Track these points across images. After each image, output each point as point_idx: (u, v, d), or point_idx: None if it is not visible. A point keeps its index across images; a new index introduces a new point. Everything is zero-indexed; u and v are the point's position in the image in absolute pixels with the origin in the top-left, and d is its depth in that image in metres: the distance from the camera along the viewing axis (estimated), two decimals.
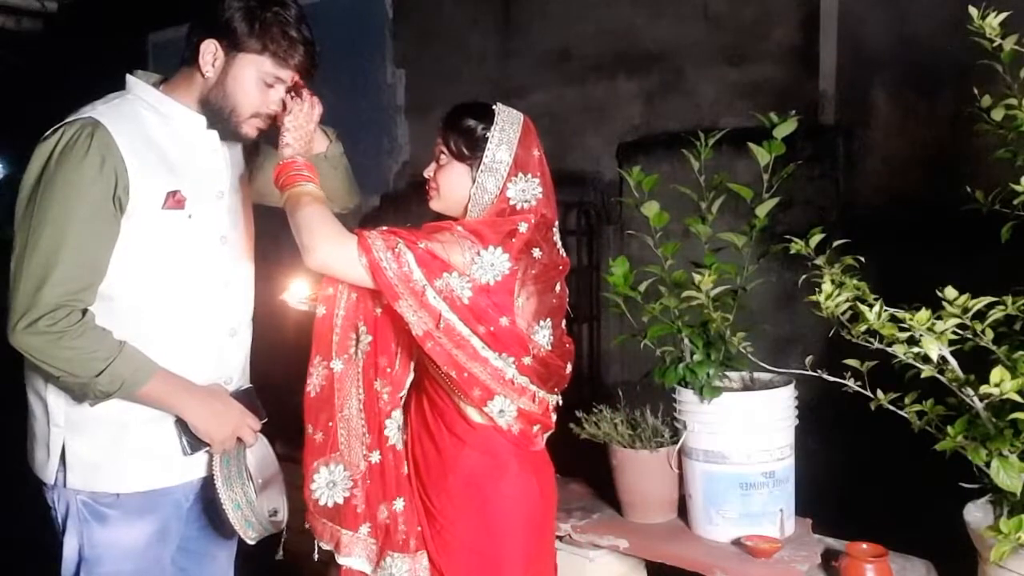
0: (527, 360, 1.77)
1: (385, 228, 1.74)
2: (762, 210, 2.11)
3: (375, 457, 1.80)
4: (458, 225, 1.75)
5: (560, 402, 1.88)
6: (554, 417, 1.88)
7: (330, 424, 1.79)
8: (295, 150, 1.84)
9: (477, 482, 1.81)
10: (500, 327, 1.72)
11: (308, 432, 1.79)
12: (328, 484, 1.78)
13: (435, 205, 1.89)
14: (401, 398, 1.86)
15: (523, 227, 1.75)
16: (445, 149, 1.85)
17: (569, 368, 1.88)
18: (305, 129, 1.86)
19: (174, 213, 1.75)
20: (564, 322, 1.90)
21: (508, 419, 1.78)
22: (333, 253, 1.71)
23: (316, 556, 1.81)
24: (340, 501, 1.78)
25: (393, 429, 1.83)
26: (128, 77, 1.82)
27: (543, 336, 1.80)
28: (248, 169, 2.02)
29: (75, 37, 5.86)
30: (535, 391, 1.79)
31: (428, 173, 1.89)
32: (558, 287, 1.86)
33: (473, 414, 1.80)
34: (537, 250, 1.77)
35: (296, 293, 1.93)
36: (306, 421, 1.80)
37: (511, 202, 1.79)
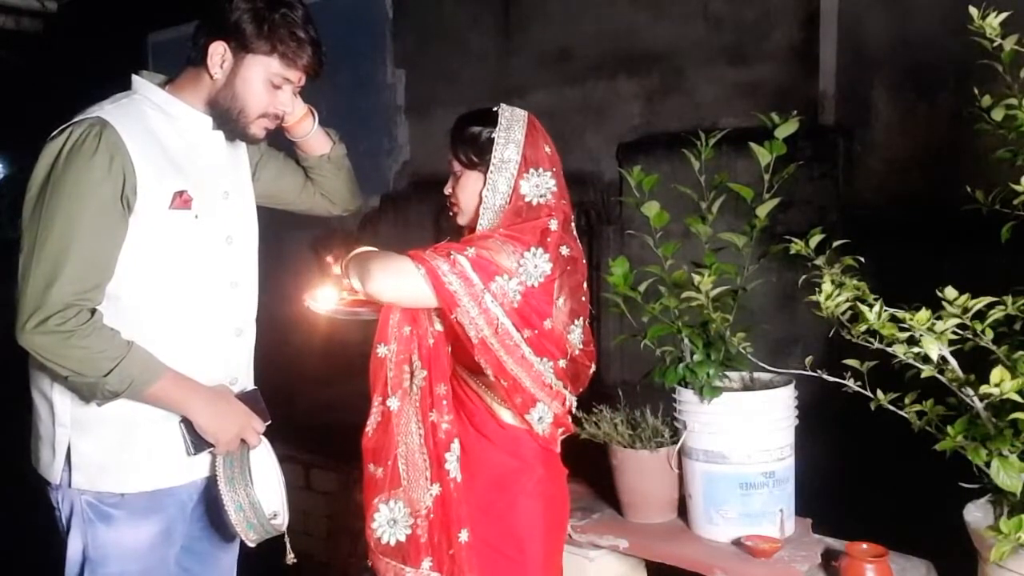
0: (562, 363, 1.79)
1: (431, 246, 1.76)
2: (762, 210, 2.11)
3: (436, 490, 1.79)
4: (496, 233, 1.76)
5: (575, 403, 1.90)
6: (571, 418, 1.90)
7: (389, 462, 1.79)
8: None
9: (504, 484, 1.82)
10: (544, 330, 1.74)
11: (368, 470, 1.80)
12: (389, 522, 1.78)
13: (461, 220, 1.89)
14: (456, 432, 1.84)
15: (554, 224, 1.76)
16: (457, 161, 1.85)
17: (592, 368, 1.90)
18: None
19: (181, 213, 1.75)
20: (588, 321, 1.91)
21: (545, 426, 1.81)
22: (391, 272, 1.73)
23: None
24: (403, 539, 1.78)
25: (452, 461, 1.81)
26: (134, 77, 1.82)
27: (576, 335, 1.83)
28: (253, 170, 2.02)
29: (75, 37, 5.87)
30: (566, 394, 1.81)
31: (447, 190, 1.89)
32: (584, 284, 1.88)
33: (504, 414, 1.81)
34: (565, 248, 1.79)
35: (323, 300, 1.94)
36: (365, 460, 1.81)
37: (526, 199, 1.79)
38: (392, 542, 1.78)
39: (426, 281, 1.69)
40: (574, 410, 1.90)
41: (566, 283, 1.79)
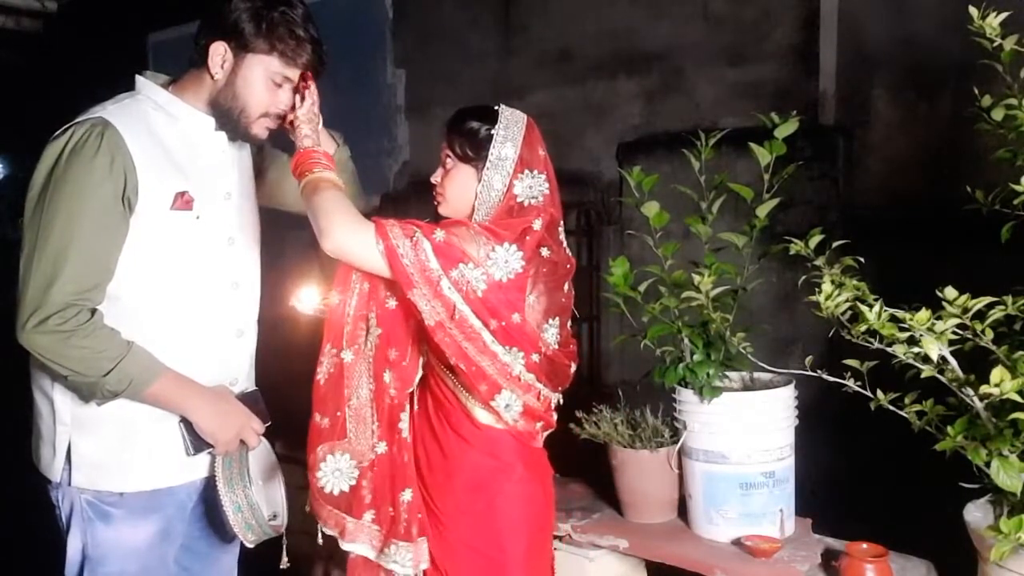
0: (535, 357, 1.78)
1: (402, 220, 1.75)
2: (762, 210, 2.10)
3: (382, 447, 1.80)
4: (474, 223, 1.77)
5: (561, 401, 1.89)
6: (555, 416, 1.89)
7: (338, 413, 1.79)
8: (314, 141, 1.85)
9: (482, 484, 1.81)
10: (511, 323, 1.73)
11: (315, 419, 1.79)
12: (333, 472, 1.78)
13: (443, 210, 1.89)
14: (409, 393, 1.86)
15: (537, 224, 1.76)
16: (451, 153, 1.85)
17: (574, 367, 1.89)
18: (317, 120, 1.88)
19: (182, 214, 1.75)
20: (570, 322, 1.90)
21: (514, 414, 1.79)
22: (350, 237, 1.71)
23: (320, 540, 1.81)
24: (346, 489, 1.78)
25: (406, 422, 1.83)
26: (137, 78, 1.83)
27: (551, 334, 1.82)
28: (255, 171, 2.02)
29: (75, 37, 5.87)
30: (540, 388, 1.80)
31: (435, 179, 1.89)
32: (567, 287, 1.87)
33: (480, 414, 1.80)
34: (546, 249, 1.78)
35: (306, 299, 1.94)
36: (314, 408, 1.80)
37: (519, 199, 1.79)
38: (335, 491, 1.78)
39: (383, 258, 1.69)
40: (555, 407, 1.88)
41: (540, 281, 1.78)
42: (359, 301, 1.80)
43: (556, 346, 1.83)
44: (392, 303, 1.81)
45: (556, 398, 1.87)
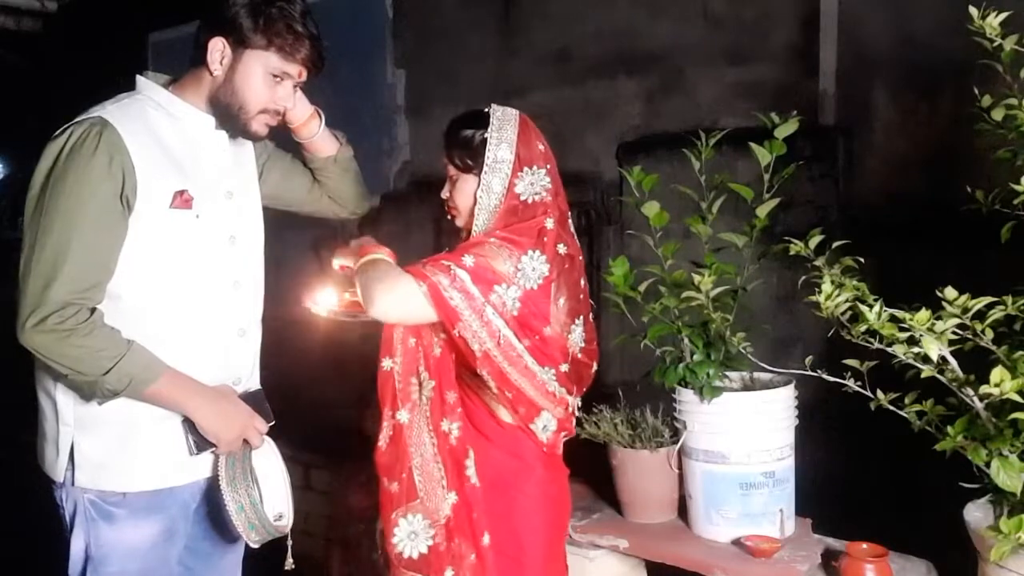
0: (564, 367, 1.79)
1: (428, 259, 1.75)
2: (762, 210, 2.10)
3: (452, 497, 1.79)
4: (492, 237, 1.76)
5: (579, 404, 1.90)
6: (574, 421, 1.91)
7: (404, 475, 1.79)
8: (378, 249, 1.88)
9: (503, 484, 1.82)
10: (544, 336, 1.74)
11: (384, 486, 1.80)
12: (409, 535, 1.78)
13: (460, 223, 1.90)
14: (471, 434, 1.84)
15: (550, 223, 1.77)
16: (452, 165, 1.85)
17: (595, 367, 1.90)
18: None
19: (181, 213, 1.75)
20: (591, 315, 1.90)
21: (549, 434, 1.81)
22: (392, 293, 1.72)
23: None
24: (425, 551, 1.78)
25: (471, 467, 1.81)
26: (138, 77, 1.83)
27: (577, 335, 1.82)
28: (260, 172, 2.02)
29: (75, 37, 5.87)
30: (568, 399, 1.82)
31: (445, 195, 1.90)
32: (582, 282, 1.87)
33: (503, 413, 1.81)
34: (563, 245, 1.78)
35: (322, 302, 1.94)
36: (380, 475, 1.81)
37: (521, 197, 1.79)
38: (414, 555, 1.78)
39: (428, 299, 1.69)
40: (576, 412, 1.90)
41: (564, 282, 1.78)
42: (405, 359, 1.81)
43: (583, 344, 1.83)
44: (438, 351, 1.81)
45: (575, 403, 1.88)
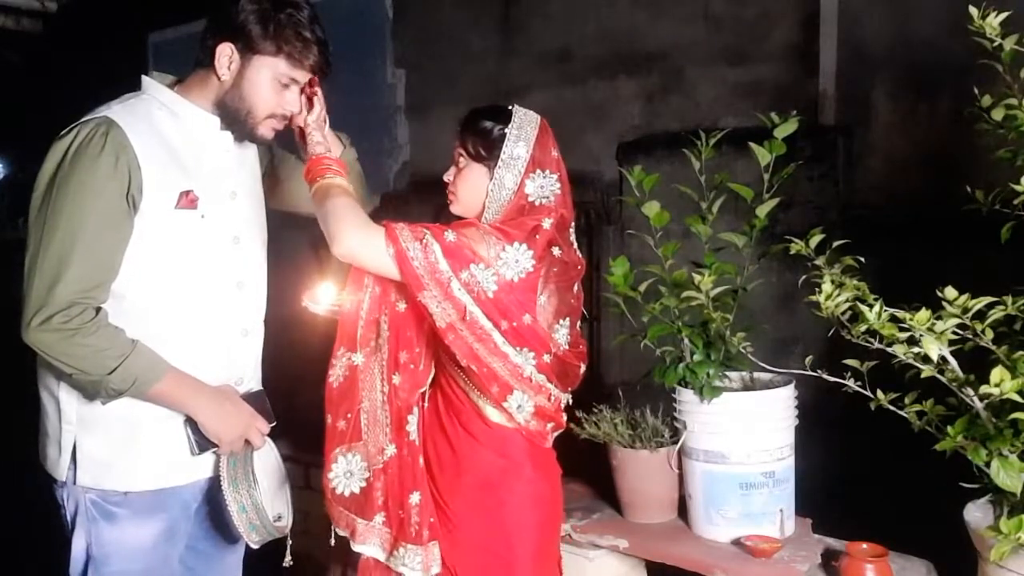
0: (547, 358, 1.78)
1: (411, 223, 1.75)
2: (762, 210, 2.11)
3: (391, 450, 1.81)
4: (485, 224, 1.77)
5: (571, 401, 1.90)
6: (565, 416, 1.90)
7: (349, 415, 1.80)
8: (325, 147, 1.87)
9: (492, 483, 1.82)
10: (522, 323, 1.73)
11: (328, 421, 1.80)
12: (345, 473, 1.79)
13: (455, 209, 1.90)
14: (422, 394, 1.86)
15: (547, 223, 1.77)
16: (463, 152, 1.86)
17: (583, 368, 1.89)
18: (326, 124, 1.90)
19: (187, 213, 1.76)
20: (579, 323, 1.91)
21: (526, 415, 1.79)
22: (360, 242, 1.72)
23: (332, 541, 1.82)
24: (357, 491, 1.80)
25: (413, 424, 1.83)
26: (144, 78, 1.83)
27: (562, 335, 1.82)
28: (265, 174, 2.02)
29: (75, 37, 5.86)
30: (551, 389, 1.81)
31: (448, 178, 1.90)
32: (576, 288, 1.87)
33: (491, 413, 1.80)
34: (557, 249, 1.78)
35: (320, 298, 1.94)
36: (327, 410, 1.81)
37: (530, 198, 1.80)
38: (347, 493, 1.79)
39: (393, 261, 1.70)
40: (564, 407, 1.88)
41: (551, 281, 1.78)
42: (371, 304, 1.81)
43: (566, 347, 1.83)
44: (402, 306, 1.82)
45: (566, 398, 1.88)
